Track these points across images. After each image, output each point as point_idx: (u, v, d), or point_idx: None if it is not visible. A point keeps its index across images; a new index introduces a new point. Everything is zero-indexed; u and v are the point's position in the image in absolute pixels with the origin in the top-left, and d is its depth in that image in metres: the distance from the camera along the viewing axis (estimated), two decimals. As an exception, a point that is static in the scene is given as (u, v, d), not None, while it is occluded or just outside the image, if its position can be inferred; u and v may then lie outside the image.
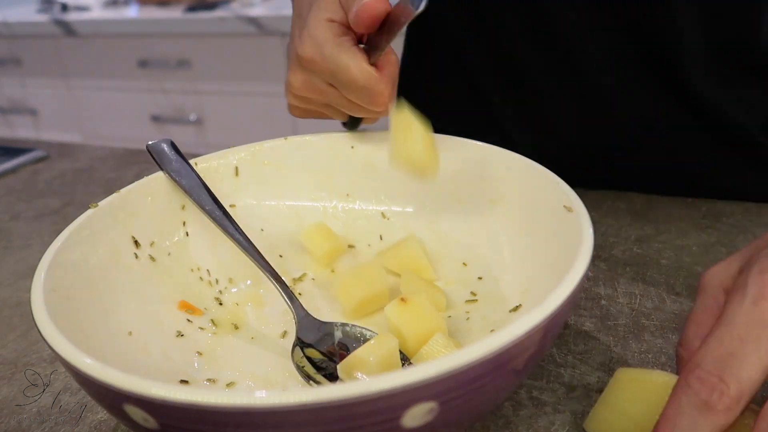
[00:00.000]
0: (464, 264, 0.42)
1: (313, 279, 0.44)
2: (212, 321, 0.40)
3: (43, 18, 1.93)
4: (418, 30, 0.67)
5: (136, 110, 1.95)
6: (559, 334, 0.39)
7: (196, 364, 0.36)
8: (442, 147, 0.44)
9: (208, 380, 0.35)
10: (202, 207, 0.41)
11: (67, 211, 0.63)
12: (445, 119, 0.66)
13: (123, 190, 0.40)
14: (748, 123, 0.53)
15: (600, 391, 0.34)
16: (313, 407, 0.22)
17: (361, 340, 0.36)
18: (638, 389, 0.29)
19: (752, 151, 0.54)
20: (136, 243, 0.39)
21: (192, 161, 0.43)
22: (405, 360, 0.34)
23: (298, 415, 0.22)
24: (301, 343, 0.36)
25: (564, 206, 0.35)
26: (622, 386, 0.30)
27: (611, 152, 0.57)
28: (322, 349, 0.36)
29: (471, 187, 0.43)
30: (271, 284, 0.43)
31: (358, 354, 0.31)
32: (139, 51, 1.85)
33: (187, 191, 0.41)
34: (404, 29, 0.45)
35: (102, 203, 0.38)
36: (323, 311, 0.40)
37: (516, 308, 0.36)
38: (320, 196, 0.47)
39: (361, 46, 0.40)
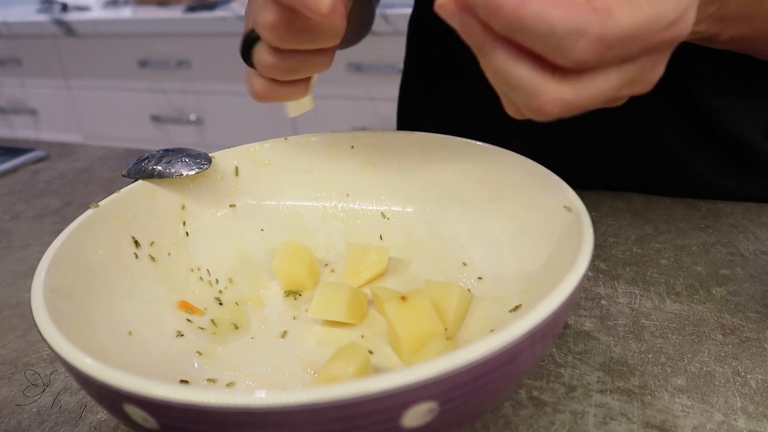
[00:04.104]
0: (464, 264, 0.42)
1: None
2: (212, 321, 0.40)
3: (43, 18, 1.93)
4: (417, 39, 0.68)
5: (136, 110, 1.95)
6: (559, 334, 0.39)
7: (196, 364, 0.36)
8: (443, 147, 0.44)
9: (208, 380, 0.35)
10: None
11: (67, 211, 0.63)
12: (446, 122, 0.66)
13: (123, 190, 0.40)
14: (748, 128, 0.53)
15: (600, 391, 0.34)
16: (313, 407, 0.22)
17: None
18: None
19: (753, 155, 0.54)
20: (136, 243, 0.39)
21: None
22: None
23: (298, 415, 0.22)
24: None
25: (564, 206, 0.35)
26: None
27: (611, 157, 0.57)
28: None
29: (471, 187, 0.43)
30: (272, 284, 0.43)
31: (332, 370, 0.31)
32: (139, 51, 1.85)
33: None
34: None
35: (102, 203, 0.38)
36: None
37: (516, 308, 0.36)
38: (320, 196, 0.47)
39: None
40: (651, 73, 0.28)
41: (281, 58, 0.36)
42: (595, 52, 0.25)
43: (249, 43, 0.37)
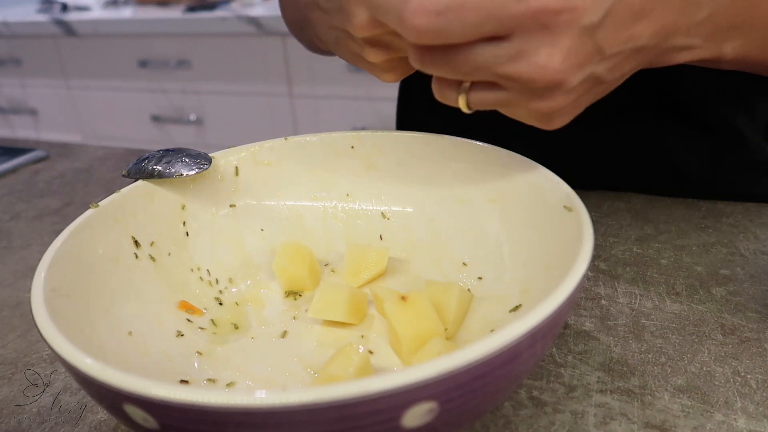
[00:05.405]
0: (464, 264, 0.42)
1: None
2: (212, 321, 0.40)
3: (43, 18, 1.93)
4: None
5: (136, 110, 1.95)
6: (559, 334, 0.39)
7: (196, 364, 0.36)
8: (443, 147, 0.44)
9: (208, 380, 0.35)
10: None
11: (67, 211, 0.63)
12: (446, 122, 0.66)
13: (123, 190, 0.40)
14: (748, 128, 0.53)
15: (600, 391, 0.34)
16: (313, 407, 0.22)
17: None
18: None
19: (753, 155, 0.54)
20: (136, 243, 0.39)
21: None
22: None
23: (298, 415, 0.22)
24: None
25: (564, 206, 0.35)
26: None
27: (611, 157, 0.57)
28: None
29: (471, 187, 0.43)
30: (272, 284, 0.43)
31: (332, 370, 0.31)
32: (139, 51, 1.85)
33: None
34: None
35: (102, 203, 0.38)
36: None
37: (516, 308, 0.36)
38: (320, 196, 0.47)
39: None
40: (536, 54, 0.28)
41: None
42: (425, 18, 0.26)
43: None
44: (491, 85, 0.31)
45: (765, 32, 0.38)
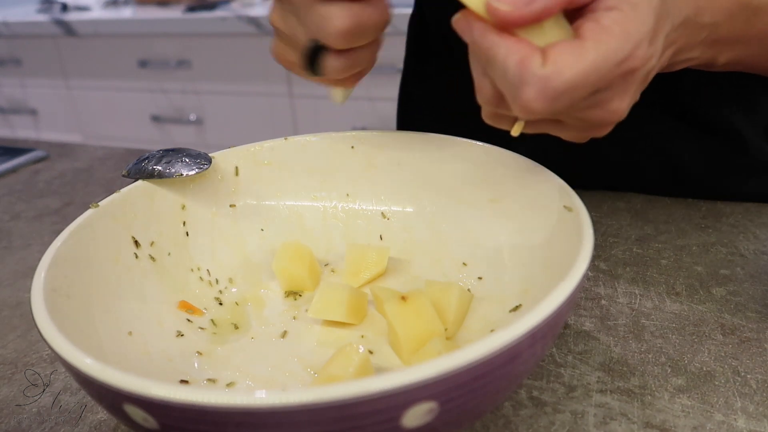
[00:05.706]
0: (464, 264, 0.42)
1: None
2: (212, 321, 0.40)
3: (43, 18, 1.93)
4: (417, 39, 0.67)
5: (136, 110, 1.95)
6: (559, 334, 0.39)
7: (196, 364, 0.36)
8: (443, 147, 0.44)
9: (208, 380, 0.35)
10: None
11: (67, 211, 0.64)
12: (446, 122, 0.66)
13: (123, 190, 0.40)
14: (748, 128, 0.53)
15: (600, 391, 0.34)
16: (313, 407, 0.22)
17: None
18: None
19: (753, 155, 0.54)
20: (136, 243, 0.39)
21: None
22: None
23: (298, 415, 0.22)
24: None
25: (564, 206, 0.35)
26: None
27: (611, 157, 0.57)
28: None
29: (471, 187, 0.43)
30: (272, 284, 0.43)
31: (332, 370, 0.31)
32: (139, 51, 1.85)
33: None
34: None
35: (102, 203, 0.38)
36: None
37: (516, 308, 0.36)
38: (320, 196, 0.47)
39: None
40: (611, 101, 0.30)
41: (347, 59, 0.38)
42: (542, 103, 0.28)
43: (315, 54, 0.39)
44: (553, 120, 0.33)
45: (758, 45, 0.41)
